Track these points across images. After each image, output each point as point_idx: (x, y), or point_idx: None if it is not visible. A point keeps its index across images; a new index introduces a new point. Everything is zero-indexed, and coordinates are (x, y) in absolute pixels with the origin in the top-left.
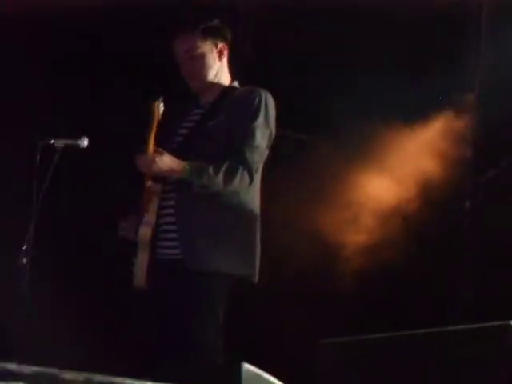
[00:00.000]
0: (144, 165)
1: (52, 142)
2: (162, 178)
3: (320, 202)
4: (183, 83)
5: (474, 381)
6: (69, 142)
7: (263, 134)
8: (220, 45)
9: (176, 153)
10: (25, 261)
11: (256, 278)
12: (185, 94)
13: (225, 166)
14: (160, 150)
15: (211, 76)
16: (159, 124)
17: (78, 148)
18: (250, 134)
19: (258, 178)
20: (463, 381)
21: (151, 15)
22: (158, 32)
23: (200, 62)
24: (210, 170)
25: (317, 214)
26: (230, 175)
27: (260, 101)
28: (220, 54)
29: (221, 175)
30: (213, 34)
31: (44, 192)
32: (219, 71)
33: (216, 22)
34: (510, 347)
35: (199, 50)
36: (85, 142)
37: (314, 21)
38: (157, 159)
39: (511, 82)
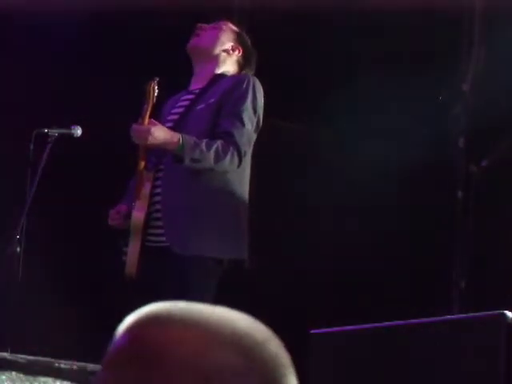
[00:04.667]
0: (139, 136)
1: (46, 130)
2: (154, 165)
3: (316, 189)
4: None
5: (469, 371)
6: (63, 131)
7: (250, 118)
8: (236, 46)
9: None
10: (18, 249)
11: (247, 263)
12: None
13: (217, 143)
14: (155, 121)
15: (212, 50)
16: (154, 107)
17: (71, 137)
18: (238, 117)
19: (247, 162)
20: (457, 371)
21: (148, 9)
22: (158, 23)
23: (216, 31)
24: (203, 145)
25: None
26: (221, 153)
27: (248, 85)
28: (232, 49)
29: (212, 152)
30: (237, 35)
31: (37, 181)
32: (224, 62)
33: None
34: (504, 337)
35: (223, 27)
36: (78, 132)
37: (313, 13)
38: (152, 130)
39: (504, 72)
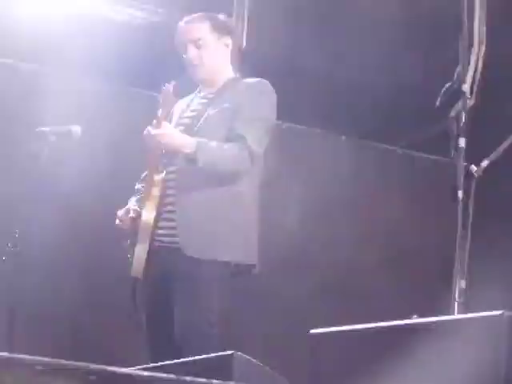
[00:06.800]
0: (153, 139)
1: (46, 130)
2: (164, 166)
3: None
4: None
5: (469, 371)
6: (62, 129)
7: (264, 122)
8: (225, 38)
9: None
10: (18, 249)
11: (256, 267)
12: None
13: (230, 147)
14: (170, 126)
15: (216, 67)
16: (169, 111)
17: (71, 136)
18: (252, 122)
19: (259, 165)
20: (455, 372)
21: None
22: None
23: (206, 52)
24: (217, 148)
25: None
26: (234, 156)
27: (262, 90)
28: (225, 47)
29: (226, 155)
30: (220, 27)
31: (37, 180)
32: (223, 64)
33: (222, 16)
34: (504, 337)
35: (207, 40)
36: (78, 132)
37: (313, 13)
38: (167, 134)
39: (504, 72)
